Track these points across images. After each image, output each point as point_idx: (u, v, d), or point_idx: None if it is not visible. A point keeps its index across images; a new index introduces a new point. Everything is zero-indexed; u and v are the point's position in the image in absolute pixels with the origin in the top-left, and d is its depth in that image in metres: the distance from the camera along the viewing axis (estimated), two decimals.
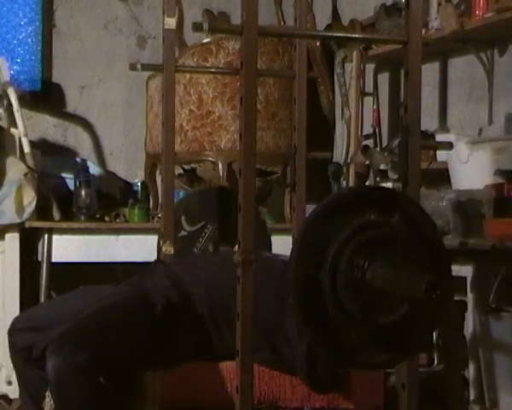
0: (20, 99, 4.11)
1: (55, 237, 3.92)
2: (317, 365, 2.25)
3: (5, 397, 3.79)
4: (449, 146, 3.03)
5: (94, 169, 4.46)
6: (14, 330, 2.52)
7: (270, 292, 2.38)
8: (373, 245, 1.79)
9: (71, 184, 4.22)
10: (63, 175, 4.33)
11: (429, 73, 3.98)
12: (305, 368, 2.26)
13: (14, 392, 3.66)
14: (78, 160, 4.71)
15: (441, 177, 3.51)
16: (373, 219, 1.80)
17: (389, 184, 3.59)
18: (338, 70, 4.42)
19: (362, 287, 1.77)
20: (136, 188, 4.39)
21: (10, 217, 3.82)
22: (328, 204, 1.84)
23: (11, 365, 2.61)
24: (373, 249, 1.78)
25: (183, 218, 2.84)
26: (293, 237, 2.76)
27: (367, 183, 4.00)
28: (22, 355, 2.47)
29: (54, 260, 3.93)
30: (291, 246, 2.75)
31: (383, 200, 1.83)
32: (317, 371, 2.26)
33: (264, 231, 3.00)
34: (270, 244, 3.00)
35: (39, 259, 4.00)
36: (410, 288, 1.72)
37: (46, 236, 3.90)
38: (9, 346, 2.52)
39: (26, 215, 3.84)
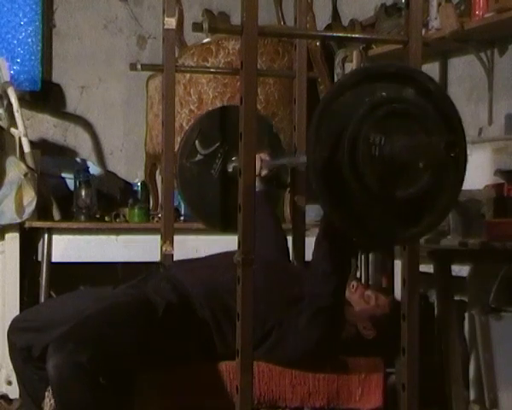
0: (20, 99, 4.11)
1: (55, 237, 3.92)
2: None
3: (5, 397, 3.79)
4: None
5: (94, 169, 4.45)
6: (13, 330, 2.53)
7: (278, 285, 2.40)
8: (388, 120, 1.80)
9: (71, 184, 4.22)
10: (63, 175, 4.33)
11: (429, 73, 3.96)
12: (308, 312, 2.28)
13: (14, 392, 3.66)
14: (78, 160, 4.70)
15: None
16: (386, 95, 1.81)
17: None
18: (338, 70, 4.42)
19: (381, 162, 1.78)
20: (136, 188, 4.38)
21: (10, 217, 3.82)
22: (340, 85, 1.84)
23: (11, 365, 2.61)
24: (388, 125, 1.79)
25: (196, 142, 2.82)
26: (293, 237, 2.77)
27: None
28: (22, 355, 2.48)
29: (54, 260, 3.93)
30: (291, 246, 2.77)
31: (394, 75, 1.84)
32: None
33: (278, 142, 2.96)
34: (283, 149, 2.95)
35: (39, 259, 4.00)
36: (430, 150, 1.74)
37: (46, 236, 3.90)
38: (9, 346, 2.52)
39: (26, 215, 3.84)
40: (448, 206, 1.91)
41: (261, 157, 2.65)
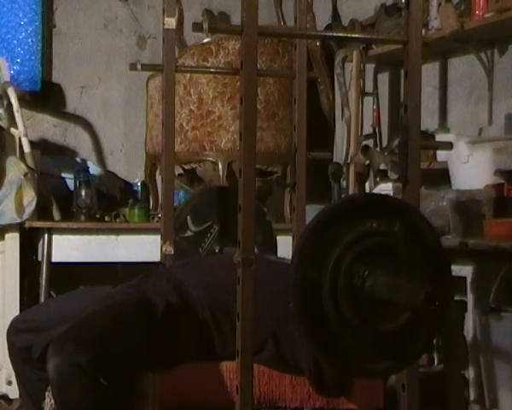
0: (20, 99, 4.11)
1: (55, 237, 3.92)
2: (324, 369, 2.25)
3: (5, 397, 3.79)
4: (449, 146, 3.03)
5: (94, 169, 4.46)
6: (13, 331, 2.52)
7: (275, 292, 2.39)
8: (374, 253, 1.79)
9: (71, 184, 4.22)
10: (63, 175, 4.33)
11: (429, 73, 3.98)
12: (313, 372, 2.26)
13: (14, 392, 3.66)
14: (78, 160, 4.71)
15: (441, 177, 3.51)
16: (375, 227, 1.81)
17: (389, 184, 3.61)
18: (338, 70, 4.42)
19: (362, 295, 1.77)
20: (136, 188, 4.39)
21: (10, 217, 3.82)
22: (330, 210, 1.84)
23: (11, 365, 2.60)
24: (374, 257, 1.79)
25: (188, 218, 2.83)
26: (293, 237, 2.76)
27: (367, 183, 4.01)
28: (21, 356, 2.47)
29: (54, 260, 3.93)
30: (291, 246, 2.76)
31: (385, 208, 1.84)
32: (324, 377, 2.26)
33: (270, 231, 2.99)
34: (276, 245, 2.99)
35: (39, 259, 4.00)
36: (408, 297, 1.73)
37: (46, 236, 3.90)
38: (8, 346, 2.52)
39: (26, 215, 3.84)
40: (424, 346, 1.91)
41: None
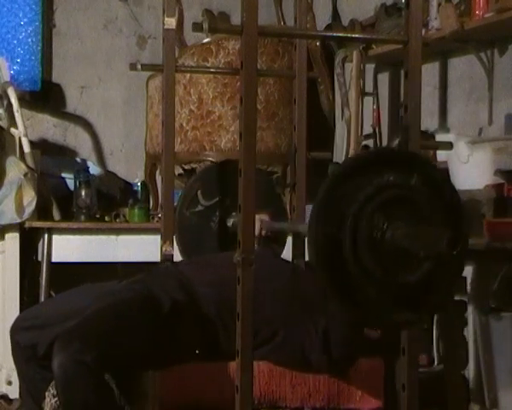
0: (20, 99, 4.11)
1: (55, 237, 3.92)
2: (333, 343, 2.27)
3: (5, 397, 3.79)
4: (449, 146, 3.03)
5: (94, 169, 4.45)
6: (17, 329, 2.52)
7: (281, 287, 2.40)
8: (392, 206, 1.81)
9: (71, 184, 4.22)
10: (63, 175, 4.33)
11: (429, 73, 3.98)
12: (321, 338, 2.27)
13: (14, 392, 3.66)
14: (78, 160, 4.71)
15: None
16: (392, 180, 1.82)
17: None
18: (338, 70, 4.42)
19: (382, 247, 1.79)
20: (136, 188, 4.38)
21: (10, 217, 3.82)
22: (347, 165, 1.85)
23: (11, 365, 2.60)
24: (392, 210, 1.81)
25: (199, 192, 2.83)
26: (293, 237, 2.77)
27: None
28: (26, 354, 2.47)
29: (54, 260, 3.93)
30: (291, 246, 2.76)
31: (402, 161, 1.85)
32: (332, 351, 2.28)
33: (280, 201, 2.98)
34: (286, 214, 2.96)
35: (39, 259, 4.00)
36: (431, 243, 1.74)
37: (46, 236, 3.90)
38: (12, 345, 2.52)
39: (26, 215, 3.84)
40: (445, 295, 1.94)
41: (261, 218, 2.66)
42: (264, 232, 2.71)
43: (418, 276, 1.83)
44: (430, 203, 1.84)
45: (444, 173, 1.91)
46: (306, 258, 2.75)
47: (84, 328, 2.23)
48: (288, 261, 2.71)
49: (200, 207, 2.82)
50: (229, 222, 2.79)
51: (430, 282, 1.84)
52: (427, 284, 1.84)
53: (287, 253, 2.80)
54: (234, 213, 2.76)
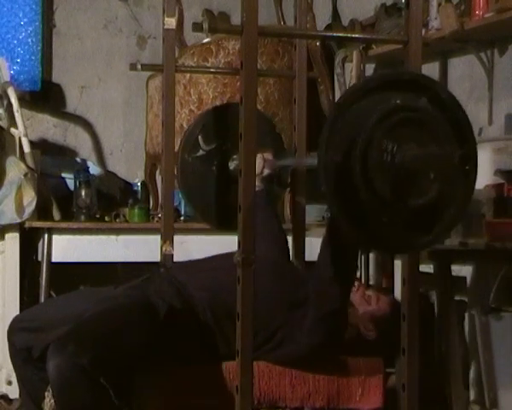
0: (20, 99, 4.11)
1: (55, 237, 3.92)
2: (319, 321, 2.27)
3: (5, 397, 3.79)
4: None
5: (94, 169, 4.45)
6: (13, 331, 2.52)
7: (283, 286, 2.40)
8: (401, 128, 1.80)
9: (71, 184, 4.22)
10: (63, 175, 4.33)
11: (429, 73, 3.97)
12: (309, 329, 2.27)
13: (14, 392, 3.65)
14: (78, 160, 4.70)
15: None
16: (400, 103, 1.81)
17: None
18: (338, 70, 4.42)
19: (392, 170, 1.78)
20: (136, 188, 4.38)
21: (10, 217, 3.82)
22: (352, 91, 1.84)
23: (11, 365, 2.60)
24: (401, 132, 1.79)
25: (199, 137, 2.81)
26: (293, 237, 2.77)
27: None
28: (22, 355, 2.47)
29: (54, 260, 3.92)
30: (291, 246, 2.76)
31: (409, 84, 1.84)
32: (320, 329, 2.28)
33: (281, 141, 2.95)
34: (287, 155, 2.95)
35: (39, 259, 4.00)
36: (442, 161, 1.74)
37: (46, 236, 3.90)
38: (9, 346, 2.52)
39: (26, 215, 3.84)
40: (457, 217, 1.91)
41: (264, 157, 2.65)
42: (266, 172, 2.68)
43: (430, 197, 1.81)
44: (438, 123, 1.83)
45: (448, 91, 1.88)
46: (306, 258, 2.76)
47: (79, 331, 2.23)
48: (286, 259, 2.71)
49: (201, 152, 2.80)
50: (231, 166, 2.77)
51: (442, 202, 1.83)
52: (439, 204, 1.83)
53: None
54: (235, 157, 2.73)
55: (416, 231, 1.84)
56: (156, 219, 4.01)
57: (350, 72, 4.27)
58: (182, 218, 4.03)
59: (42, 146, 4.59)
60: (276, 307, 2.36)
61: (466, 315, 3.27)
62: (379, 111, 1.78)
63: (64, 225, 3.98)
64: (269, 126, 2.90)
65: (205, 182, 2.81)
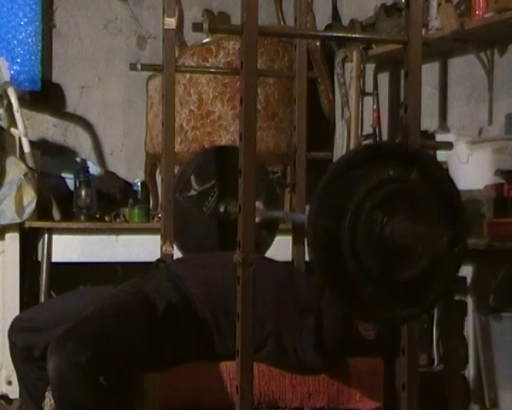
0: (20, 99, 4.11)
1: (55, 237, 3.92)
2: (324, 336, 2.27)
3: (5, 397, 3.79)
4: (449, 146, 3.03)
5: (94, 169, 4.45)
6: (14, 330, 2.52)
7: (275, 289, 2.39)
8: (392, 201, 1.80)
9: (71, 184, 4.22)
10: (63, 175, 4.33)
11: (429, 73, 3.98)
12: (313, 339, 2.27)
13: (14, 392, 3.65)
14: (78, 160, 4.71)
15: None
16: (392, 174, 1.81)
17: None
18: (338, 70, 4.42)
19: (381, 242, 1.77)
20: (136, 188, 4.38)
21: (10, 217, 3.82)
22: (348, 159, 1.84)
23: (11, 365, 2.60)
24: (392, 205, 1.79)
25: (192, 177, 2.82)
26: (293, 237, 2.76)
27: None
28: (22, 355, 2.47)
29: (54, 260, 3.92)
30: (291, 246, 2.76)
31: (402, 156, 1.84)
32: (324, 343, 2.27)
33: (274, 190, 2.97)
34: (279, 202, 2.94)
35: (39, 259, 4.00)
36: (431, 242, 1.73)
37: (46, 236, 3.90)
38: (9, 346, 2.52)
39: (26, 215, 3.84)
40: (443, 291, 1.92)
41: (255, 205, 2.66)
42: (256, 220, 2.69)
43: (416, 272, 1.81)
44: (430, 198, 1.83)
45: (443, 168, 1.88)
46: (306, 258, 2.76)
47: (78, 330, 2.23)
48: (278, 261, 2.71)
49: (192, 192, 2.81)
50: (222, 208, 2.79)
51: (428, 278, 1.83)
52: (425, 279, 1.83)
53: (286, 253, 2.80)
54: (227, 199, 2.75)
55: (401, 304, 1.84)
56: (156, 219, 4.01)
57: (350, 72, 4.28)
58: None
59: (42, 146, 4.59)
60: (270, 309, 2.35)
61: (466, 315, 3.27)
62: (371, 181, 1.78)
63: (64, 225, 3.98)
64: (262, 173, 2.90)
65: (195, 222, 2.83)
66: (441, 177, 1.86)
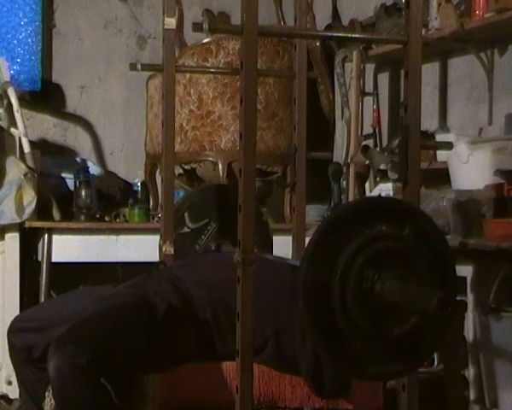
0: (20, 99, 4.11)
1: (55, 237, 3.92)
2: (324, 371, 2.25)
3: (5, 397, 3.79)
4: (449, 146, 3.03)
5: (94, 169, 4.46)
6: (13, 331, 2.52)
7: (276, 292, 2.39)
8: (383, 257, 1.79)
9: (71, 184, 4.22)
10: (63, 175, 4.33)
11: (429, 73, 3.98)
12: (312, 373, 2.26)
13: (14, 392, 3.65)
14: (78, 160, 4.71)
15: (441, 177, 3.51)
16: (384, 230, 1.80)
17: (389, 184, 3.60)
18: (338, 70, 4.42)
19: (371, 298, 1.77)
20: (136, 188, 4.39)
21: (10, 217, 3.82)
22: (338, 214, 1.84)
23: (11, 365, 2.60)
24: (383, 261, 1.79)
25: (186, 214, 2.83)
26: (292, 237, 2.76)
27: (367, 183, 4.00)
28: (22, 355, 2.47)
29: (54, 260, 3.93)
30: (291, 246, 2.76)
31: (394, 212, 1.84)
32: (324, 378, 2.26)
33: (267, 231, 2.99)
34: (272, 245, 2.99)
35: (39, 259, 4.00)
36: (421, 302, 1.72)
37: (46, 236, 3.90)
38: (9, 346, 2.52)
39: (26, 215, 3.84)
40: (432, 348, 1.92)
41: None
42: None
43: (405, 329, 1.81)
44: (422, 256, 1.82)
45: (434, 223, 1.87)
46: None
47: (78, 331, 2.23)
48: (278, 261, 2.70)
49: (186, 230, 2.82)
50: (213, 246, 2.80)
51: (417, 335, 1.82)
52: (413, 337, 1.82)
53: (286, 253, 2.80)
54: (220, 238, 2.78)
55: (391, 360, 1.84)
56: (156, 219, 4.01)
57: (350, 72, 4.28)
58: None
59: (42, 146, 4.59)
60: (272, 306, 2.35)
61: (466, 315, 3.27)
62: (363, 236, 1.78)
63: (64, 225, 3.98)
64: (257, 214, 2.90)
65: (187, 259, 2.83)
66: (434, 234, 1.85)
